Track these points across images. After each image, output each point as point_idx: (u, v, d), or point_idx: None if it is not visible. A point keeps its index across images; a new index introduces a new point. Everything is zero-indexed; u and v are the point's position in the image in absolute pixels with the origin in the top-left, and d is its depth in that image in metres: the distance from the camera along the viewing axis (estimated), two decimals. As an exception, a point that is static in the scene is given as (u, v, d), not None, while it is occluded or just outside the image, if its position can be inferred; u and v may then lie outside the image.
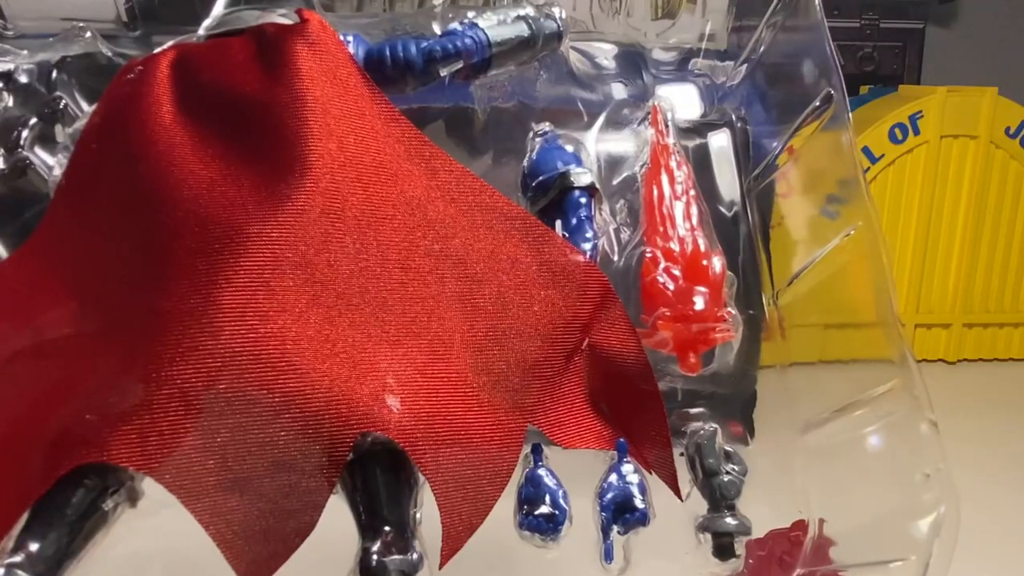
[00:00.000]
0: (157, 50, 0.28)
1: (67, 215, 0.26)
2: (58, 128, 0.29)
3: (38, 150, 0.30)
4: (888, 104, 0.69)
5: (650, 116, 0.32)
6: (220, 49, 0.27)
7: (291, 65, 0.26)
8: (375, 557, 0.22)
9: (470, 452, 0.24)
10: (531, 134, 0.32)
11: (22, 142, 0.30)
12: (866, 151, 0.66)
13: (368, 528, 0.23)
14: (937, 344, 0.73)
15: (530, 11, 0.30)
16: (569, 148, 0.30)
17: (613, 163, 0.32)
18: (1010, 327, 0.74)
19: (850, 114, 0.31)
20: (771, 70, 0.35)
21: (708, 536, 0.26)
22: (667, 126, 0.32)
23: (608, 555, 0.26)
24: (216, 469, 0.22)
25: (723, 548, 0.26)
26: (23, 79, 0.30)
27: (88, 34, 0.31)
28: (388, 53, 0.28)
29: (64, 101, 0.31)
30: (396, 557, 0.22)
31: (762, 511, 0.27)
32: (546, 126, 0.32)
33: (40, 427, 0.23)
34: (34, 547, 0.21)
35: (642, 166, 0.31)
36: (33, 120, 0.30)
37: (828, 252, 0.29)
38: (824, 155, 0.32)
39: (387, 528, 0.23)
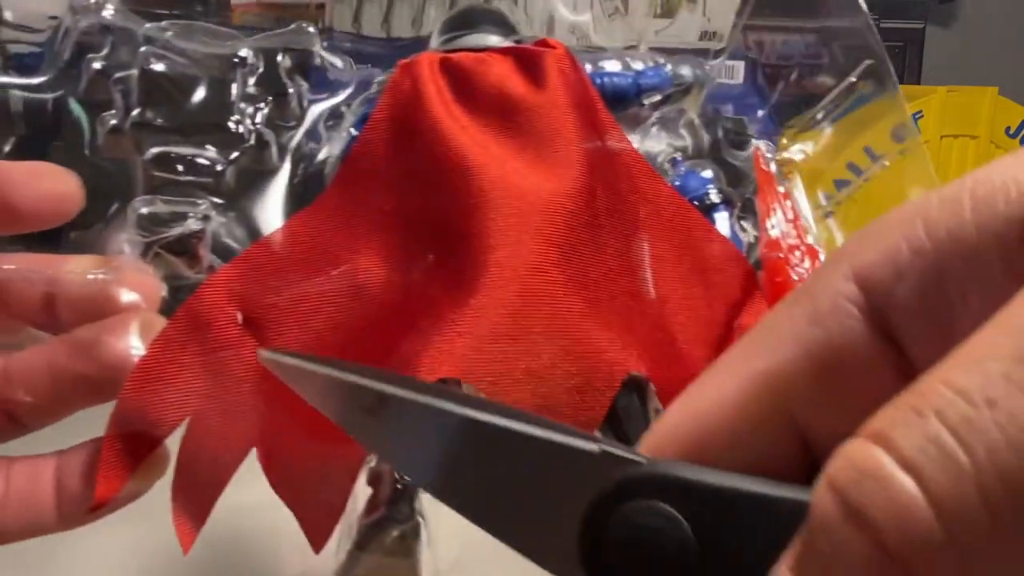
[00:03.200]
0: (413, 57, 0.33)
1: (357, 182, 0.30)
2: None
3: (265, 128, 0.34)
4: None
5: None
6: (479, 59, 0.32)
7: (551, 78, 0.32)
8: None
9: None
10: (662, 162, 0.39)
11: (259, 119, 0.33)
12: (866, 150, 0.72)
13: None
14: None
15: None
16: (707, 173, 0.38)
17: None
18: (1009, 327, 0.80)
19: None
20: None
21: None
22: (767, 161, 0.40)
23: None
24: (530, 396, 0.27)
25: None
26: (260, 65, 0.34)
27: (312, 29, 0.35)
28: (599, 82, 0.34)
29: (292, 88, 0.34)
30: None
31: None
32: (678, 155, 0.39)
33: (387, 354, 0.27)
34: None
35: (753, 190, 0.40)
36: (268, 99, 0.34)
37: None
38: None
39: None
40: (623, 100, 0.35)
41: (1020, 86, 0.72)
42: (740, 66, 0.46)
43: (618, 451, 0.15)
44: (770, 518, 0.14)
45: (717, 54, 0.42)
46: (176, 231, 0.27)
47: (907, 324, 0.15)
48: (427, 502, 0.24)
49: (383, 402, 0.18)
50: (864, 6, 0.40)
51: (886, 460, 0.11)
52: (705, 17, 0.43)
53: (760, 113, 0.43)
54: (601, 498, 0.15)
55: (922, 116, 0.67)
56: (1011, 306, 0.12)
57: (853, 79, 0.40)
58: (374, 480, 0.24)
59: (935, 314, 0.14)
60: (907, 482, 0.11)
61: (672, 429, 0.17)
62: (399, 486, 0.23)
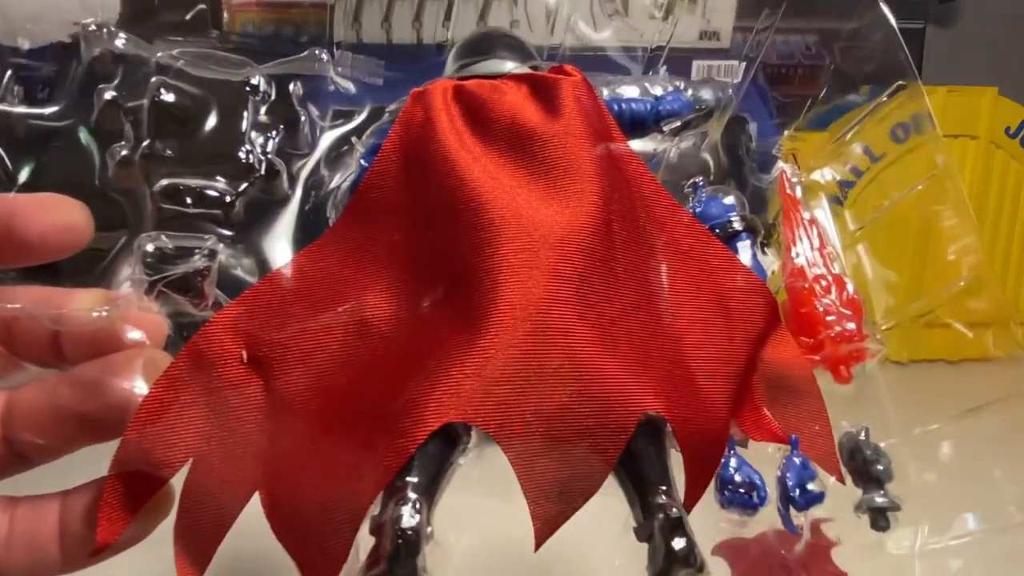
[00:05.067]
0: (426, 84, 0.32)
1: (366, 216, 0.30)
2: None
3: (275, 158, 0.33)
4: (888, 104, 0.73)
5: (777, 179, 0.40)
6: (493, 86, 0.31)
7: (566, 106, 0.31)
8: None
9: (710, 433, 0.30)
10: (683, 187, 0.38)
11: (270, 149, 0.33)
12: (866, 150, 0.69)
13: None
14: (939, 344, 0.69)
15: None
16: (728, 200, 0.37)
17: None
18: (1010, 327, 0.76)
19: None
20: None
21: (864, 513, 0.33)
22: (793, 185, 0.39)
23: (789, 526, 0.32)
24: (540, 439, 0.26)
25: (877, 521, 0.32)
26: (272, 93, 0.33)
27: (325, 56, 0.35)
28: (616, 109, 0.33)
29: (304, 116, 0.34)
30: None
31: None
32: (699, 179, 0.38)
33: (394, 395, 0.26)
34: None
35: (777, 214, 0.38)
36: (280, 128, 0.33)
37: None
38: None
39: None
40: (642, 126, 0.34)
41: (1020, 86, 0.70)
42: (739, 65, 0.45)
43: None
44: None
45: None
46: (180, 269, 0.27)
47: None
48: (431, 558, 0.23)
49: None
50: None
51: None
52: (705, 18, 0.42)
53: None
54: None
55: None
56: None
57: (884, 98, 0.39)
58: (377, 530, 0.23)
59: None
60: None
61: None
62: (400, 540, 0.22)
